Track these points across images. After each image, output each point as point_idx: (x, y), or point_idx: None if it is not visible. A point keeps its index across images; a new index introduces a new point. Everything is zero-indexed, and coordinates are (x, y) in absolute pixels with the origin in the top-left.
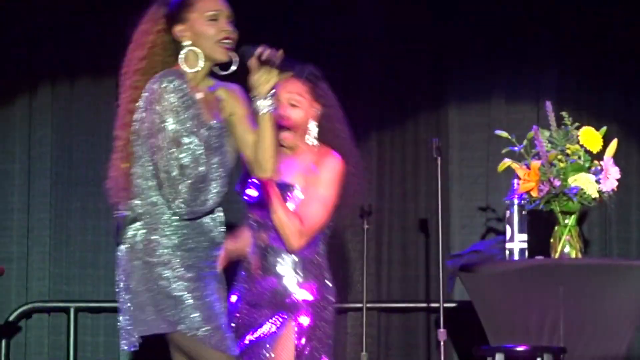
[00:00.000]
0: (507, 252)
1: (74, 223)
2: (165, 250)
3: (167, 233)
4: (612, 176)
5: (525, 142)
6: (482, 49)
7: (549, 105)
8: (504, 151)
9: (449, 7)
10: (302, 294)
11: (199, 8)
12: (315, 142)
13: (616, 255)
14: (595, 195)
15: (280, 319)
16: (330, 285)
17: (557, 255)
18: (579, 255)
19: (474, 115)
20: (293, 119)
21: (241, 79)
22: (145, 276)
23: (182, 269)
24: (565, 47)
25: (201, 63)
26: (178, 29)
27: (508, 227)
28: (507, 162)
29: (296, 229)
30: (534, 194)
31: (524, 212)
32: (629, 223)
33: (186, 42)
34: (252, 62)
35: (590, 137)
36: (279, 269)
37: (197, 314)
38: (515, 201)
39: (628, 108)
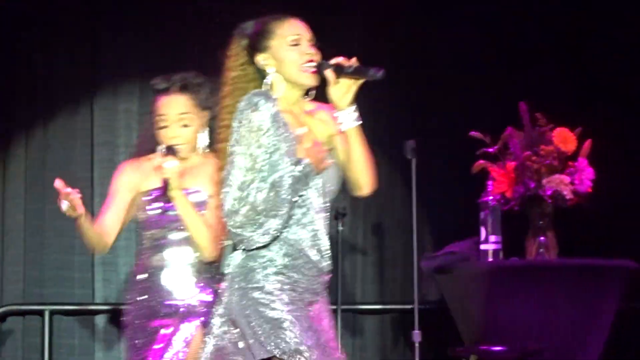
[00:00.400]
0: (482, 253)
1: (49, 225)
2: (263, 277)
3: (264, 260)
4: (586, 177)
5: (500, 143)
6: (459, 50)
7: (523, 106)
8: (478, 152)
9: (427, 7)
10: (199, 297)
11: (279, 34)
12: (206, 150)
13: (591, 257)
14: (570, 196)
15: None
16: None
17: (532, 257)
18: (554, 257)
19: (449, 116)
20: (185, 138)
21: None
22: (242, 303)
23: (282, 292)
24: (543, 50)
25: (282, 87)
26: (261, 57)
27: (482, 229)
28: (482, 163)
29: (212, 237)
30: (509, 195)
31: (498, 214)
32: (599, 224)
33: (270, 69)
34: (329, 75)
35: (564, 138)
36: (173, 284)
37: (299, 338)
38: (490, 202)
39: (603, 108)
